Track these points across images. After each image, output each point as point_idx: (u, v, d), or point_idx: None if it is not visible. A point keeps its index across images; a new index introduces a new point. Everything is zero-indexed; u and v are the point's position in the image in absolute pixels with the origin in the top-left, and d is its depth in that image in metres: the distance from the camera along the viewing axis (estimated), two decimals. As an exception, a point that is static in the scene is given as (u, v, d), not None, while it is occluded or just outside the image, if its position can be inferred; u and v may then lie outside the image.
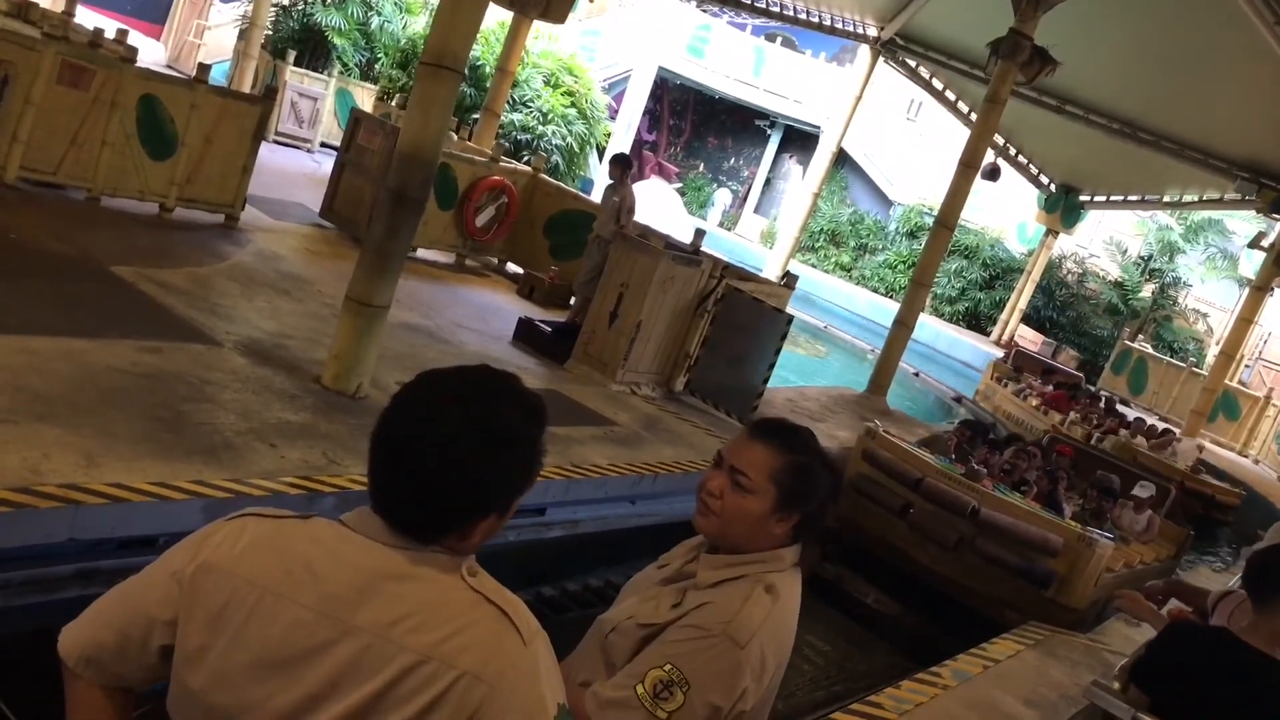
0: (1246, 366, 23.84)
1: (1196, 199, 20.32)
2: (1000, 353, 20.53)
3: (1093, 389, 17.09)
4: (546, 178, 12.17)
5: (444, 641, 1.28)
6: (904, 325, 12.17)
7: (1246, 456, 18.30)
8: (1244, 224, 23.60)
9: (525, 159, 13.89)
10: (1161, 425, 15.35)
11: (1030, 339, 24.26)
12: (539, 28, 15.86)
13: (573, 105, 17.77)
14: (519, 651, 1.31)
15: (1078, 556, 6.91)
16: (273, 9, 17.01)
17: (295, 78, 15.71)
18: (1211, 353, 22.82)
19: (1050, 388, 15.74)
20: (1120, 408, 16.68)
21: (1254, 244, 18.54)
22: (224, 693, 1.32)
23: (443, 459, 1.33)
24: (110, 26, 10.26)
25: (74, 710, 1.44)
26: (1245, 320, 17.54)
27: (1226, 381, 18.55)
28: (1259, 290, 17.29)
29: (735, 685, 1.75)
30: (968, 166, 11.67)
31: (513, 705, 1.27)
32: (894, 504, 7.56)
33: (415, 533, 1.36)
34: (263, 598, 1.32)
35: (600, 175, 20.92)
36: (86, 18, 14.39)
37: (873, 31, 18.52)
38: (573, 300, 10.16)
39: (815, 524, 1.95)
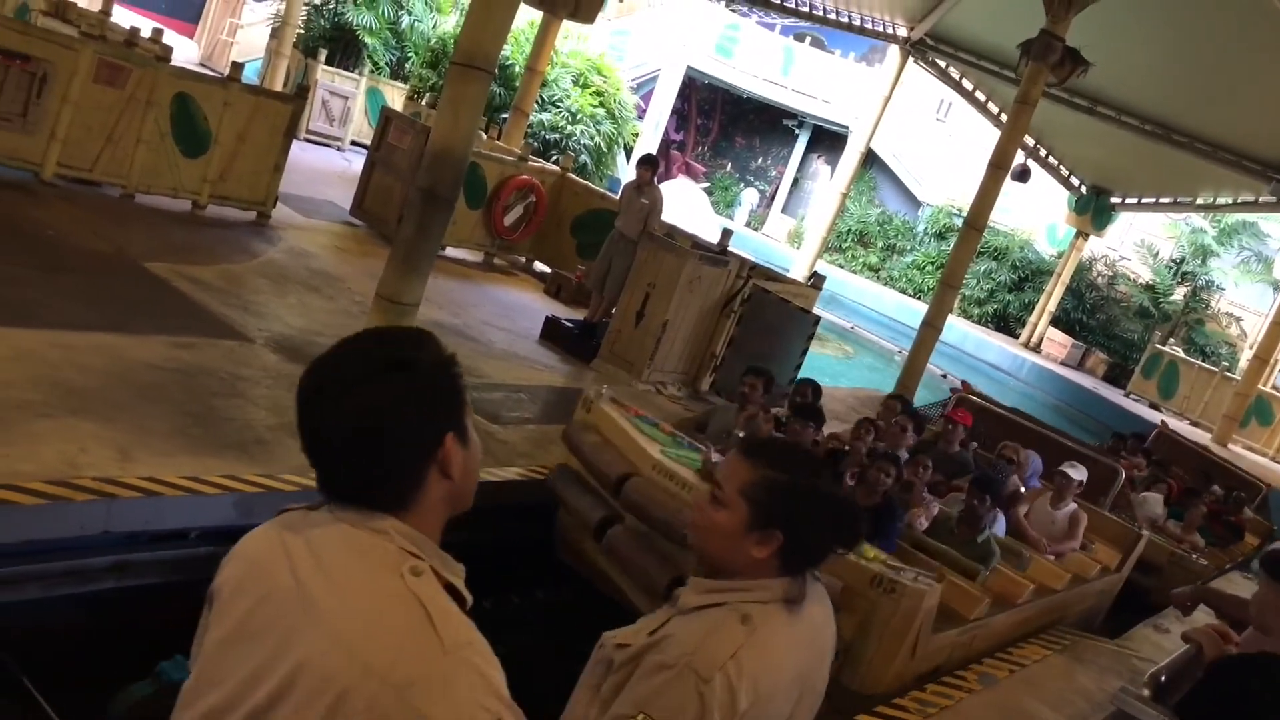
0: (1280, 371, 23.50)
1: (1230, 201, 20.03)
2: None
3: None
4: (574, 177, 12.20)
5: (359, 637, 1.23)
6: (932, 327, 12.07)
7: (1279, 462, 18.12)
8: (1279, 227, 23.29)
9: (554, 158, 13.93)
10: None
11: (1060, 342, 24.01)
12: (568, 27, 15.89)
13: (601, 105, 17.79)
14: (434, 659, 1.22)
15: (872, 610, 4.41)
16: (304, 8, 17.14)
17: (326, 76, 15.84)
18: (1245, 357, 22.52)
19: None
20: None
21: (1289, 247, 18.30)
22: (201, 667, 1.36)
23: (341, 393, 1.33)
24: (146, 25, 10.38)
25: None
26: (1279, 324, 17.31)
27: (1260, 386, 18.32)
28: (1294, 294, 17.06)
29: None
30: (997, 168, 11.57)
31: (424, 714, 1.19)
32: (591, 518, 4.91)
33: (352, 496, 1.35)
34: (246, 574, 1.36)
35: (628, 175, 20.94)
36: (122, 16, 14.59)
37: (902, 32, 18.41)
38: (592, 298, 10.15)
39: (806, 554, 1.82)
